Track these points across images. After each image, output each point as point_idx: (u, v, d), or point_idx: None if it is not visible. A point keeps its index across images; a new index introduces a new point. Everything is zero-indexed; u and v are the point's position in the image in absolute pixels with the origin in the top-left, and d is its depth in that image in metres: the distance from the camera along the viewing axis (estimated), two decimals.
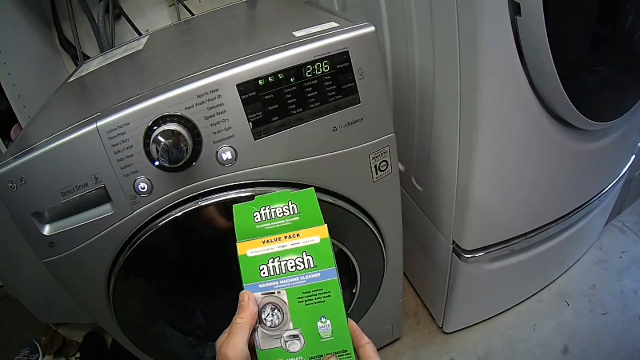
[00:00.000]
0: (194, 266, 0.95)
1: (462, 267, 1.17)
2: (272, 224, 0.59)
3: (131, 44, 1.14)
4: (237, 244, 0.56)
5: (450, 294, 1.28)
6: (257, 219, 0.59)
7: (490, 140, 0.90)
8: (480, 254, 1.13)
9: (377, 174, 0.84)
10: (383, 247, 0.96)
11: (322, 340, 0.54)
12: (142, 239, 0.76)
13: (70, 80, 1.06)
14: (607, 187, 1.29)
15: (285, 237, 0.56)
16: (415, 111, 1.07)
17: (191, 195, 0.74)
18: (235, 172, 0.74)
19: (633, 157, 1.34)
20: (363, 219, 0.88)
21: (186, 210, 0.74)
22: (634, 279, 1.48)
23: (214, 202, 0.75)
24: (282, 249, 0.56)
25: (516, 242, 1.16)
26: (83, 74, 1.05)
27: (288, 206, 0.60)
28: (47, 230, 0.74)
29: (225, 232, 0.80)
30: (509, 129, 0.91)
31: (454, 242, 1.14)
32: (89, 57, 1.36)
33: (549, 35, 0.75)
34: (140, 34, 1.39)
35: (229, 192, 0.75)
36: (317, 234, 0.57)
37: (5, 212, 0.71)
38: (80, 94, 0.97)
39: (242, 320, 0.53)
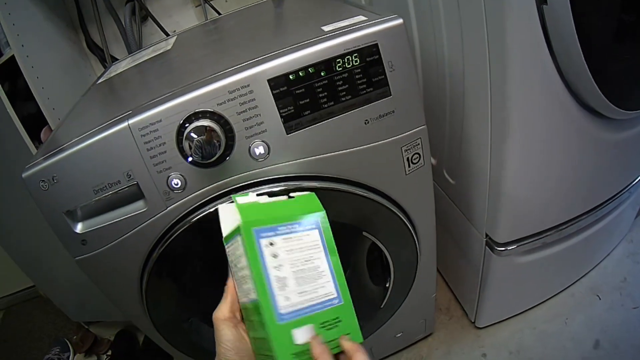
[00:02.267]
0: (226, 262, 0.96)
1: (494, 261, 1.16)
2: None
3: (159, 44, 1.15)
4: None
5: (482, 288, 1.27)
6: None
7: (521, 131, 0.90)
8: (512, 247, 1.12)
9: (409, 166, 0.83)
10: (416, 241, 0.96)
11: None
12: (175, 235, 0.76)
13: (99, 81, 1.07)
14: (637, 178, 1.27)
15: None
16: (446, 103, 1.06)
17: (224, 190, 0.74)
18: (268, 167, 0.74)
19: None
20: (396, 212, 0.87)
21: (220, 205, 0.75)
22: None
23: (260, 193, 0.74)
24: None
25: (548, 235, 1.14)
26: (112, 75, 1.07)
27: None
28: (79, 228, 0.74)
29: None
30: (538, 118, 0.90)
31: (486, 235, 1.13)
32: (117, 59, 1.37)
33: (576, 23, 0.74)
34: (167, 35, 1.40)
35: (262, 187, 0.75)
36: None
37: (36, 212, 0.72)
38: (110, 94, 0.98)
39: (228, 287, 0.61)
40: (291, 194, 0.69)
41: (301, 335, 0.55)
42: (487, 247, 1.15)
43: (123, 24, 1.33)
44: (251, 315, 0.58)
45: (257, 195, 0.69)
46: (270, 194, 0.71)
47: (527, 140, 0.92)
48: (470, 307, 1.42)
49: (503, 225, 1.08)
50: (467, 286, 1.39)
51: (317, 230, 0.61)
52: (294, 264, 0.58)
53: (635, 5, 0.81)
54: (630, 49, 0.88)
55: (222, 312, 0.59)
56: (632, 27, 0.84)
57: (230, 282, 0.61)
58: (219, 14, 1.42)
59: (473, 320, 1.43)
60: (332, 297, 0.59)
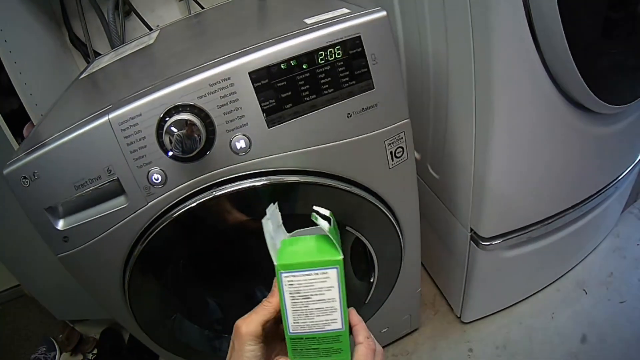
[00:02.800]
0: (209, 258, 0.95)
1: (480, 255, 1.16)
2: None
3: (142, 39, 1.14)
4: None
5: (468, 282, 1.27)
6: None
7: (506, 125, 0.90)
8: (497, 242, 1.12)
9: (393, 160, 0.83)
10: (400, 235, 0.95)
11: None
12: (157, 230, 0.76)
13: (82, 76, 1.06)
14: (623, 173, 1.27)
15: None
16: (430, 98, 1.06)
17: (205, 185, 0.74)
18: (250, 161, 0.73)
19: None
20: (380, 206, 0.87)
21: (201, 200, 0.74)
22: None
23: (228, 191, 0.74)
24: None
25: (534, 229, 1.15)
26: (94, 70, 1.06)
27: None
28: (61, 224, 0.74)
29: (240, 223, 0.80)
30: (524, 112, 0.90)
31: (471, 229, 1.13)
32: (100, 54, 1.36)
33: (562, 17, 0.74)
34: (150, 29, 1.39)
35: (244, 182, 0.74)
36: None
37: (19, 210, 0.71)
38: (92, 89, 0.97)
39: (269, 304, 0.59)
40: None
41: None
42: (472, 242, 1.15)
43: (106, 18, 1.31)
44: (313, 345, 0.60)
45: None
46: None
47: (512, 134, 0.92)
48: (455, 302, 1.42)
49: (488, 220, 1.08)
50: (452, 281, 1.39)
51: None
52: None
53: (622, 0, 0.82)
54: (617, 43, 0.88)
55: (254, 327, 0.57)
56: (619, 21, 0.85)
57: (273, 302, 0.60)
58: (202, 7, 1.42)
59: (459, 315, 1.43)
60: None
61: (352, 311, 0.62)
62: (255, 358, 0.57)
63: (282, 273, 0.58)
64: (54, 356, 1.65)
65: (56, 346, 1.68)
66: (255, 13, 1.08)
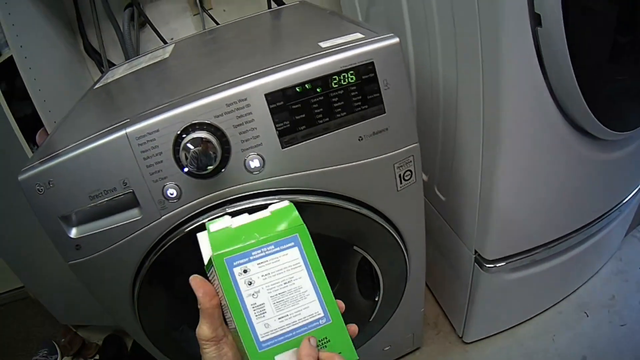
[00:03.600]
0: None
1: (483, 277, 1.16)
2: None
3: (156, 52, 1.15)
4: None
5: (471, 303, 1.27)
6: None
7: (513, 150, 0.91)
8: (501, 264, 1.13)
9: (401, 183, 0.84)
10: (406, 256, 0.97)
11: None
12: (169, 244, 0.77)
13: (97, 87, 1.07)
14: (627, 197, 1.28)
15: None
16: (438, 122, 1.07)
17: (219, 202, 0.75)
18: (263, 180, 0.74)
19: None
20: (387, 227, 0.88)
21: (214, 216, 0.75)
22: None
23: (241, 208, 0.75)
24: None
25: (537, 252, 1.16)
26: (109, 81, 1.07)
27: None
28: (73, 233, 0.74)
29: None
30: (531, 139, 0.91)
31: (476, 251, 1.14)
32: (113, 64, 1.38)
33: (569, 46, 0.75)
34: (165, 42, 1.41)
35: (256, 199, 0.75)
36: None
37: (28, 213, 0.72)
38: (108, 100, 0.98)
39: (200, 305, 0.57)
40: (270, 208, 0.66)
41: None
42: (476, 264, 1.16)
43: (121, 29, 1.33)
44: (237, 343, 0.57)
45: (233, 216, 0.64)
46: (249, 211, 0.68)
47: (518, 159, 0.93)
48: (458, 322, 1.43)
49: (492, 243, 1.09)
50: (455, 301, 1.39)
51: (296, 248, 0.58)
52: (271, 288, 0.56)
53: (627, 29, 0.83)
54: (620, 71, 0.90)
55: (204, 332, 0.57)
56: (623, 49, 0.86)
57: (204, 302, 0.57)
58: (217, 23, 1.43)
59: (461, 336, 1.44)
60: (318, 316, 0.56)
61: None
62: (216, 358, 0.57)
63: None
64: (55, 359, 1.65)
65: (58, 350, 1.68)
66: (270, 32, 1.09)
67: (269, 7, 1.41)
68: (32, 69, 1.18)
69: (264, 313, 0.55)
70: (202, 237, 0.63)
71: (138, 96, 0.89)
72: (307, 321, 0.55)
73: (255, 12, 1.29)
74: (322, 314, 0.56)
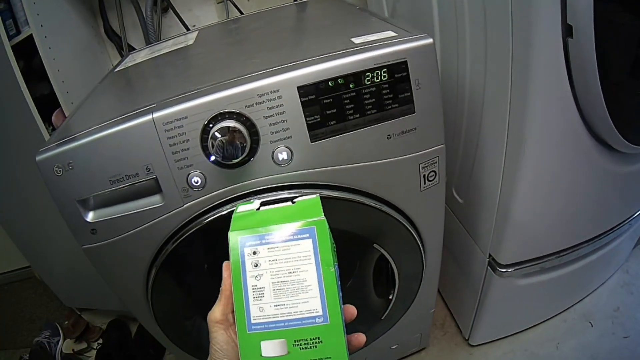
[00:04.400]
0: None
1: (495, 281, 1.17)
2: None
3: (179, 38, 1.15)
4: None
5: (480, 306, 1.28)
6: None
7: (536, 158, 0.91)
8: (513, 269, 1.13)
9: (425, 183, 0.84)
10: (423, 255, 0.97)
11: None
12: (189, 232, 0.76)
13: (117, 70, 1.07)
14: (638, 211, 1.28)
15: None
16: (462, 125, 1.07)
17: (243, 192, 0.75)
18: (289, 173, 0.74)
19: None
20: (407, 226, 0.88)
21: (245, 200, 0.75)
22: None
23: (265, 201, 0.75)
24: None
25: (548, 260, 1.16)
26: (130, 65, 1.06)
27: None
28: (90, 217, 0.74)
29: None
30: (553, 148, 0.91)
31: (490, 255, 1.14)
32: (134, 48, 1.37)
33: (597, 58, 0.75)
34: (187, 29, 1.40)
35: (281, 192, 0.75)
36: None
37: (41, 193, 0.72)
38: (129, 84, 0.98)
39: (224, 287, 0.59)
40: (295, 199, 0.65)
41: (270, 349, 0.53)
42: (489, 268, 1.16)
43: (144, 13, 1.32)
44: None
45: (262, 202, 0.66)
46: (277, 201, 0.67)
47: (540, 167, 0.93)
48: (465, 325, 1.43)
49: (507, 248, 1.08)
50: (464, 304, 1.39)
51: (309, 240, 0.56)
52: (275, 274, 0.55)
53: None
54: None
55: (215, 314, 0.58)
56: None
57: (226, 285, 0.59)
58: (241, 12, 1.42)
59: (467, 338, 1.44)
60: (315, 314, 0.54)
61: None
62: (224, 343, 0.56)
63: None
64: (58, 341, 1.65)
65: (60, 332, 1.68)
66: (296, 24, 1.09)
67: None
68: (51, 48, 1.17)
69: (261, 297, 0.55)
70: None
71: (162, 82, 0.88)
72: (303, 316, 0.54)
73: (280, 3, 1.29)
74: (320, 313, 0.54)
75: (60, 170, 0.69)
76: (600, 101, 0.81)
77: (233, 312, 0.58)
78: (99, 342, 1.64)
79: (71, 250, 0.78)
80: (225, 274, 0.59)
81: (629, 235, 1.38)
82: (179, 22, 1.41)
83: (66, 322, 1.67)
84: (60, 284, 1.62)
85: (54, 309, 1.82)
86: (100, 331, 1.67)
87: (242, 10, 1.44)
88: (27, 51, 1.13)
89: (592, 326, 1.43)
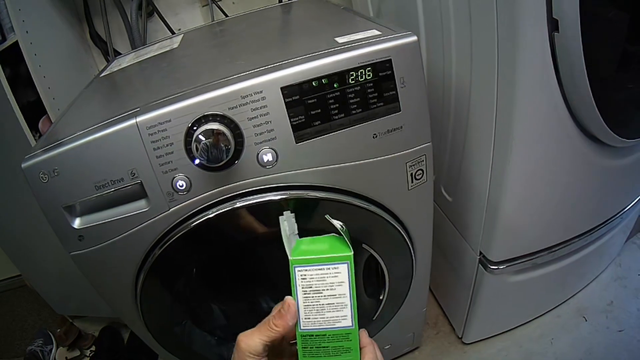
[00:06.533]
0: (221, 265, 0.96)
1: (486, 279, 1.16)
2: None
3: (164, 42, 1.14)
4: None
5: (472, 304, 1.28)
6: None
7: (523, 155, 0.91)
8: (504, 266, 1.13)
9: (412, 182, 0.84)
10: (413, 255, 0.96)
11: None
12: (176, 237, 0.76)
13: (102, 75, 1.06)
14: (630, 204, 1.29)
15: None
16: (449, 122, 1.07)
17: (229, 195, 0.74)
18: (275, 175, 0.74)
19: None
20: (395, 225, 0.88)
21: (223, 210, 0.75)
22: None
23: (251, 203, 0.75)
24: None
25: (540, 256, 1.16)
26: (115, 69, 1.06)
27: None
28: (77, 223, 0.73)
29: (258, 235, 0.81)
30: (542, 143, 0.91)
31: (480, 253, 1.14)
32: (119, 53, 1.36)
33: (585, 52, 0.75)
34: (173, 33, 1.40)
35: (267, 194, 0.75)
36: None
37: (30, 201, 0.71)
38: (114, 89, 0.97)
39: (274, 327, 0.59)
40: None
41: None
42: (480, 265, 1.16)
43: (129, 18, 1.32)
44: (323, 343, 0.62)
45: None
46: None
47: (528, 163, 0.93)
48: (458, 323, 1.43)
49: (498, 245, 1.08)
50: (456, 302, 1.39)
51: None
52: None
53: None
54: (633, 79, 0.89)
55: (254, 344, 0.57)
56: (637, 56, 0.86)
57: (279, 326, 0.59)
58: (226, 15, 1.42)
59: (460, 336, 1.44)
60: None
61: (364, 332, 0.64)
62: None
63: (295, 267, 0.61)
64: (50, 350, 1.64)
65: (53, 340, 1.67)
66: (282, 26, 1.09)
67: (280, 0, 1.39)
68: (37, 55, 1.16)
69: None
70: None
71: (147, 85, 0.88)
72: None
73: (265, 4, 1.28)
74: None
75: (46, 177, 0.68)
76: (588, 95, 0.81)
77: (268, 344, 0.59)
78: (91, 349, 1.63)
79: (61, 257, 0.77)
80: (287, 306, 0.61)
81: (621, 228, 1.39)
82: (165, 26, 1.40)
83: (58, 330, 1.66)
84: (52, 291, 1.61)
85: (46, 317, 1.81)
86: (93, 338, 1.66)
87: (227, 12, 1.43)
88: (13, 58, 1.12)
89: (586, 321, 1.44)
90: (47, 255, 1.43)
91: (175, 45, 1.06)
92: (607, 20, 0.79)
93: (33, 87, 1.16)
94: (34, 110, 1.18)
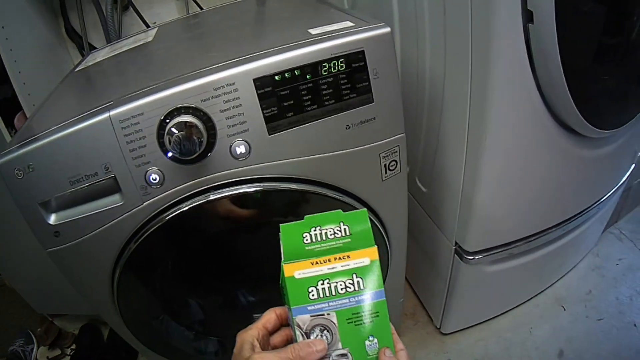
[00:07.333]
0: (197, 259, 0.95)
1: (463, 269, 1.17)
2: (322, 245, 0.57)
3: (139, 35, 1.13)
4: (283, 264, 0.55)
5: (449, 295, 1.29)
6: (306, 240, 0.58)
7: (498, 145, 0.92)
8: (480, 256, 1.14)
9: (386, 173, 0.84)
10: (388, 246, 0.97)
11: (368, 357, 0.54)
12: (150, 230, 0.76)
13: (77, 69, 1.05)
14: (606, 194, 1.31)
15: (335, 259, 0.55)
16: (423, 113, 1.07)
17: (203, 188, 0.74)
18: (248, 167, 0.74)
19: (633, 165, 1.36)
20: (370, 216, 0.87)
21: (197, 202, 0.74)
22: (630, 286, 1.50)
23: (225, 195, 0.75)
24: (332, 271, 0.55)
25: (516, 246, 1.17)
26: (90, 64, 1.05)
27: (340, 227, 0.59)
28: (53, 219, 0.73)
29: (233, 227, 0.81)
30: (516, 134, 0.92)
31: (456, 243, 1.15)
32: (95, 48, 1.35)
33: (559, 44, 0.76)
34: (148, 26, 1.39)
35: (240, 187, 0.75)
36: (367, 256, 0.56)
37: (4, 199, 0.70)
38: (89, 83, 0.97)
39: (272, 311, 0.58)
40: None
41: None
42: (456, 255, 1.17)
43: (104, 12, 1.30)
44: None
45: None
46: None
47: (502, 153, 0.94)
48: (436, 314, 1.44)
49: (473, 235, 1.09)
50: (433, 293, 1.41)
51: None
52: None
53: (616, 29, 0.85)
54: (608, 71, 0.91)
55: (246, 332, 0.56)
56: (609, 51, 0.87)
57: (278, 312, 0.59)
58: (201, 8, 1.41)
59: (438, 327, 1.45)
60: None
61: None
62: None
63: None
64: (32, 349, 1.62)
65: (34, 339, 1.65)
66: (256, 18, 1.08)
67: None
68: (12, 50, 1.15)
69: None
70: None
71: (121, 79, 0.87)
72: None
73: None
74: None
75: (21, 173, 0.68)
76: (563, 86, 0.82)
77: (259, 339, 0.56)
78: (72, 347, 1.62)
79: (40, 255, 0.76)
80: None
81: (598, 218, 1.41)
82: (140, 19, 1.39)
83: (39, 330, 1.64)
84: (31, 290, 1.59)
85: (27, 317, 1.78)
86: (73, 337, 1.65)
87: (202, 5, 1.42)
88: None
89: (565, 310, 1.46)
90: (24, 253, 1.41)
91: (150, 39, 1.05)
92: (583, 13, 0.80)
93: (8, 83, 1.14)
94: (9, 107, 1.16)
